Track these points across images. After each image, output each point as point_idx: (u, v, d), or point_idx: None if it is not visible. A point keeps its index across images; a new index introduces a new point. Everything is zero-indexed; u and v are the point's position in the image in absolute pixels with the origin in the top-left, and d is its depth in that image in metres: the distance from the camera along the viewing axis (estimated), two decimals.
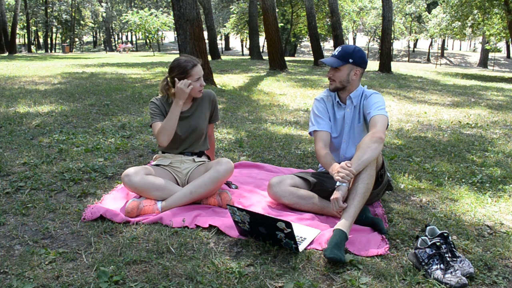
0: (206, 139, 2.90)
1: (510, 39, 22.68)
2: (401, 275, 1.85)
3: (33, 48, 40.51)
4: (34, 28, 42.97)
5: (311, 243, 2.12)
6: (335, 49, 2.65)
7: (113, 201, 2.57)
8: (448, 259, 1.86)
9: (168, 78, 2.73)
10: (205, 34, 13.99)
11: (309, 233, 2.20)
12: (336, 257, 1.88)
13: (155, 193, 2.51)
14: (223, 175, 2.54)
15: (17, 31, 35.27)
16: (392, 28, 19.64)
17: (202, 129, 2.79)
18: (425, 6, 39.42)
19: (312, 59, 18.57)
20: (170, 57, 22.02)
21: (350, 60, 2.50)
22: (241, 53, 44.32)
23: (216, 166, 2.57)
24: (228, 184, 2.94)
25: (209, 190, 2.55)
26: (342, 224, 2.08)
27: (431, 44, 44.99)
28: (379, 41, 35.77)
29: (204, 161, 2.80)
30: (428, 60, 42.10)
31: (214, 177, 2.53)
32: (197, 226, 2.27)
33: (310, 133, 2.69)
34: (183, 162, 2.76)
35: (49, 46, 42.69)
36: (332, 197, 2.20)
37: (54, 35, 45.48)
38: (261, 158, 3.71)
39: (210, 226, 2.26)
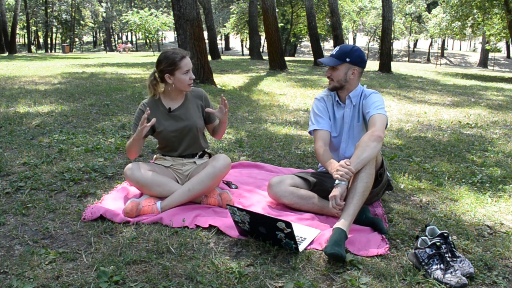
0: (205, 137, 2.86)
1: (510, 39, 22.68)
2: (401, 275, 1.85)
3: (33, 48, 40.49)
4: (34, 28, 42.97)
5: (311, 243, 2.12)
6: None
7: (113, 201, 2.57)
8: (448, 259, 1.86)
9: (156, 73, 2.63)
10: (205, 34, 13.98)
11: (309, 233, 2.20)
12: (337, 253, 1.88)
13: (156, 188, 2.51)
14: (220, 170, 2.53)
15: (17, 31, 35.28)
16: (392, 28, 19.64)
17: (198, 128, 2.70)
18: (425, 6, 39.41)
19: (312, 59, 18.57)
20: None
21: (347, 59, 2.51)
22: (241, 53, 44.31)
23: (212, 162, 2.56)
24: (228, 184, 2.94)
25: (207, 187, 2.54)
26: (341, 223, 2.08)
27: (431, 44, 44.98)
28: (379, 41, 35.76)
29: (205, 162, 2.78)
30: (428, 60, 42.10)
31: (211, 173, 2.52)
32: (197, 226, 2.27)
33: (310, 132, 2.69)
34: (185, 164, 2.75)
35: (49, 46, 42.69)
36: (330, 195, 2.19)
37: (54, 35, 45.47)
38: (261, 158, 3.71)
39: (210, 226, 2.26)
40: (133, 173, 2.49)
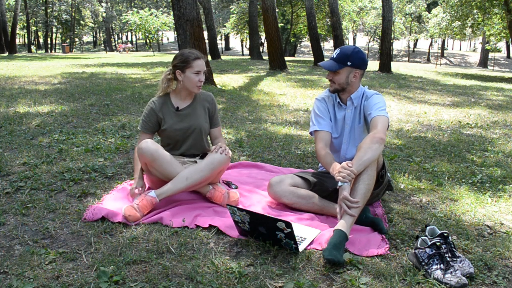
0: (208, 140, 2.88)
1: (510, 39, 22.68)
2: (401, 275, 1.85)
3: (33, 48, 40.49)
4: (34, 28, 42.96)
5: (311, 243, 2.12)
6: (335, 49, 2.63)
7: (113, 201, 2.57)
8: (448, 259, 1.86)
9: (171, 69, 2.72)
10: (205, 34, 13.98)
11: (309, 233, 2.20)
12: (334, 259, 1.89)
13: (167, 167, 2.48)
14: (219, 161, 2.53)
15: (17, 31, 35.29)
16: (392, 28, 19.64)
17: (203, 129, 2.75)
18: (425, 6, 39.41)
19: (312, 59, 18.57)
20: (170, 57, 22.00)
21: (349, 63, 2.48)
22: (241, 53, 44.31)
23: (212, 154, 2.57)
24: (228, 184, 2.94)
25: (204, 177, 2.51)
26: (342, 224, 2.08)
27: (431, 44, 44.97)
28: (379, 41, 35.76)
29: None
30: (428, 60, 42.09)
31: (209, 163, 2.52)
32: (197, 226, 2.27)
33: (310, 133, 2.69)
34: (185, 163, 2.74)
35: (49, 46, 42.68)
36: (340, 198, 2.15)
37: (54, 35, 45.48)
38: (261, 158, 3.71)
39: (210, 226, 2.26)
40: (149, 146, 2.46)
